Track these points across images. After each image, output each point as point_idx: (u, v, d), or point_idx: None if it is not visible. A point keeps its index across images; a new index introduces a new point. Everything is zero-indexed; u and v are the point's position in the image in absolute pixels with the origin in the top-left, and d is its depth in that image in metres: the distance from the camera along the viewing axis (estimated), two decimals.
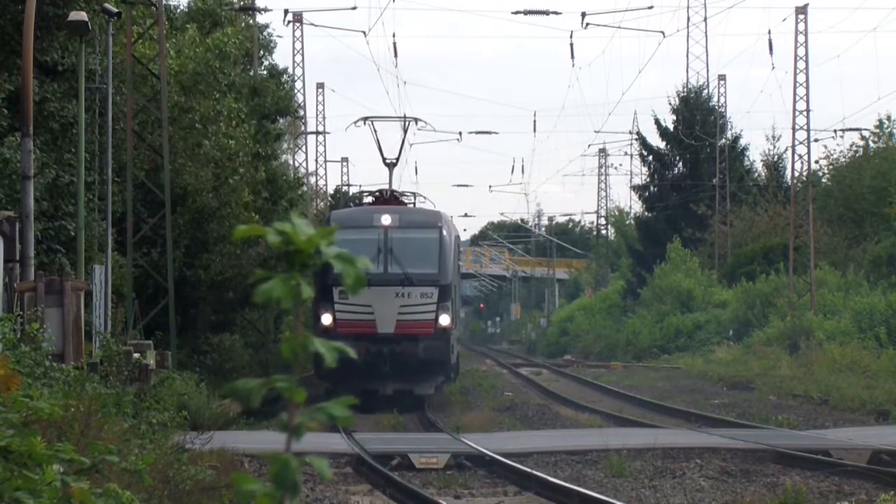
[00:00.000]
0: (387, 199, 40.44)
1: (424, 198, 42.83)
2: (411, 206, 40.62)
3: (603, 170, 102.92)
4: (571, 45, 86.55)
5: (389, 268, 36.68)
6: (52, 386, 16.40)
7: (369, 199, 41.38)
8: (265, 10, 59.14)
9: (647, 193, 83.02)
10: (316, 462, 2.69)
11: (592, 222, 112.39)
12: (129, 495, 9.24)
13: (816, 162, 69.98)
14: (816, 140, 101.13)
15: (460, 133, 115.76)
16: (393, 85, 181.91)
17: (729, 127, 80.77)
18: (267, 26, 57.29)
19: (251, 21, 52.36)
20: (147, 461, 10.01)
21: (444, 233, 37.79)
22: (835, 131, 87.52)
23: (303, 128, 73.98)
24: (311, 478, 21.08)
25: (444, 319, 36.94)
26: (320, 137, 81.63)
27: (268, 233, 2.57)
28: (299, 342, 2.62)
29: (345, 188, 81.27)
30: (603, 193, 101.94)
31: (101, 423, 14.97)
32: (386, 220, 37.29)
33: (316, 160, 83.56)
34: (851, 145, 74.59)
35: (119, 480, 10.08)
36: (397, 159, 44.77)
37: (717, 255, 74.12)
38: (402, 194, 41.15)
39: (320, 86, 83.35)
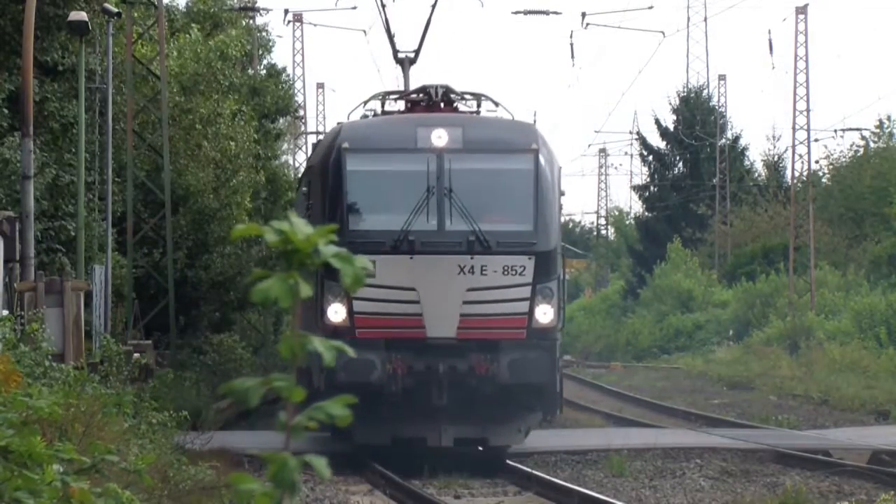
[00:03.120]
0: (433, 102, 23.60)
1: (496, 103, 24.10)
2: (480, 114, 23.95)
3: (603, 170, 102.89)
4: (571, 45, 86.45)
5: (448, 222, 21.39)
6: (52, 386, 16.38)
7: (399, 107, 24.43)
8: (264, 10, 59.08)
9: (647, 193, 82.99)
10: (315, 462, 2.68)
11: (592, 222, 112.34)
12: (129, 495, 9.24)
13: (816, 162, 69.98)
14: (816, 140, 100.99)
15: None
16: (392, 85, 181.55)
17: (729, 127, 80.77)
18: (265, 26, 57.29)
19: (251, 22, 52.33)
20: (147, 461, 10.01)
21: (542, 162, 21.88)
22: (835, 131, 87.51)
23: (303, 128, 73.93)
24: (311, 477, 21.07)
25: (546, 313, 21.37)
26: (320, 137, 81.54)
27: (266, 232, 2.57)
28: (297, 342, 2.61)
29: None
30: (603, 193, 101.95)
31: (101, 423, 14.96)
32: (440, 137, 21.78)
33: None
34: (851, 145, 74.55)
35: (119, 480, 10.08)
36: (417, 52, 27.90)
37: (717, 255, 74.08)
38: (461, 96, 23.95)
39: (320, 86, 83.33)
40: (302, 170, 70.54)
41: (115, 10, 31.73)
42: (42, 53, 29.33)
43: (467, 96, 24.04)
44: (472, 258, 21.44)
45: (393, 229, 21.43)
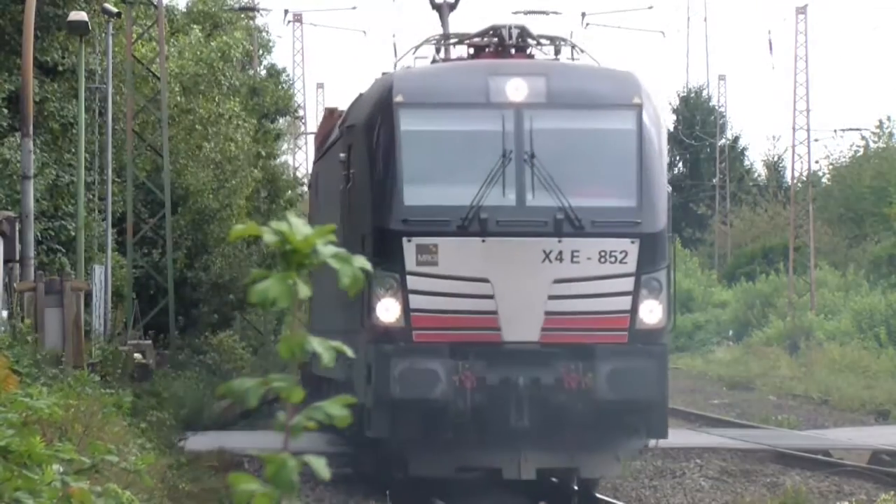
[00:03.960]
0: (504, 46, 19.11)
1: (581, 50, 19.86)
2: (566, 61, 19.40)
3: None
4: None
5: (529, 196, 17.50)
6: (52, 386, 16.38)
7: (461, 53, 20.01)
8: (264, 10, 59.13)
9: None
10: (314, 462, 2.68)
11: None
12: (129, 495, 9.24)
13: (816, 162, 70.01)
14: (816, 140, 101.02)
15: None
16: None
17: (729, 127, 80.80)
18: (265, 27, 57.32)
19: (252, 22, 52.34)
20: (147, 461, 10.02)
21: (647, 121, 17.95)
22: (835, 131, 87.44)
23: (303, 128, 73.94)
24: (310, 478, 21.04)
25: (653, 310, 17.51)
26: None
27: (264, 232, 2.56)
28: (297, 341, 2.61)
29: None
30: None
31: (101, 424, 14.96)
32: (518, 89, 17.75)
33: None
34: (851, 145, 74.57)
35: (119, 480, 10.09)
36: None
37: (717, 255, 74.07)
38: (538, 40, 19.40)
39: (320, 86, 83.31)
40: (302, 170, 70.35)
41: (115, 10, 31.73)
42: (42, 53, 29.33)
43: (544, 41, 19.18)
44: (559, 241, 17.23)
45: (460, 205, 17.07)
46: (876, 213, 62.92)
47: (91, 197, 33.09)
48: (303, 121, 71.49)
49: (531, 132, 17.54)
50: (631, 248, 17.39)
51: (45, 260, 28.76)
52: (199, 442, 22.15)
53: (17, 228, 23.89)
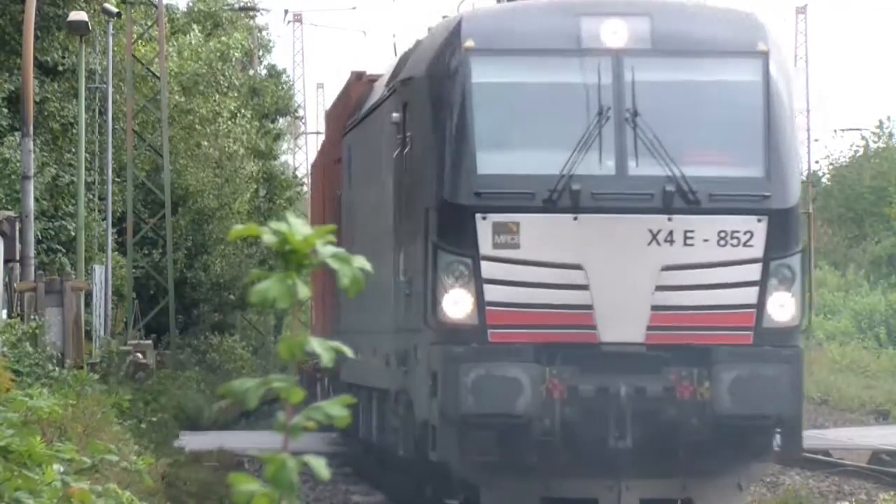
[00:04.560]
0: None
1: None
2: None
3: None
4: None
5: (632, 164, 14.60)
6: (52, 386, 16.40)
7: None
8: (264, 10, 59.17)
9: None
10: (314, 462, 2.68)
11: None
12: (129, 495, 9.24)
13: (816, 162, 70.03)
14: (816, 140, 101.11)
15: None
16: None
17: None
18: (265, 27, 57.34)
19: (252, 22, 52.37)
20: (147, 461, 10.03)
21: (775, 72, 14.94)
22: (835, 131, 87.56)
23: (303, 128, 73.96)
24: (310, 478, 21.06)
25: (784, 305, 14.57)
26: (320, 137, 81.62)
27: (263, 233, 2.56)
28: (296, 342, 2.61)
29: None
30: None
31: (101, 423, 14.97)
32: (616, 33, 14.83)
33: None
34: (851, 145, 74.62)
35: (119, 480, 10.09)
36: None
37: None
38: None
39: (320, 86, 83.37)
40: (302, 170, 70.03)
41: (115, 10, 31.75)
42: (42, 53, 29.35)
43: None
44: (669, 219, 14.12)
45: (547, 174, 14.06)
46: (876, 213, 62.94)
47: (91, 197, 33.10)
48: (303, 121, 71.53)
49: (633, 85, 14.28)
50: (757, 227, 14.18)
51: (45, 260, 28.78)
52: (199, 442, 22.16)
53: (17, 228, 23.91)
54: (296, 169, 71.38)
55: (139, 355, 27.03)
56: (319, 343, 2.65)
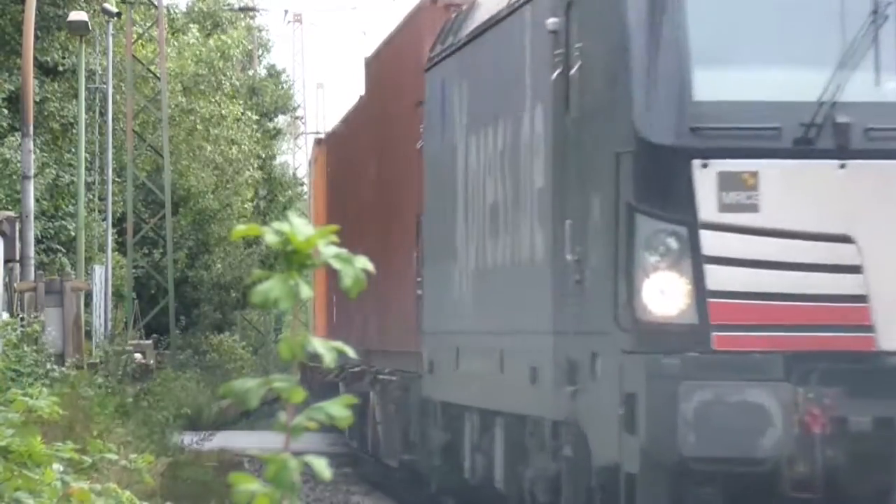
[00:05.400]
0: None
1: None
2: None
3: None
4: None
5: None
6: (52, 386, 16.41)
7: None
8: (263, 10, 59.22)
9: None
10: (315, 462, 2.69)
11: None
12: (129, 495, 9.24)
13: None
14: None
15: None
16: None
17: None
18: (265, 27, 57.40)
19: (252, 21, 52.41)
20: (147, 461, 10.04)
21: None
22: None
23: (302, 128, 74.02)
24: (310, 478, 21.02)
25: None
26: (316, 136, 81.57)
27: (265, 233, 2.57)
28: (297, 342, 2.61)
29: None
30: None
31: (101, 423, 14.99)
32: None
33: None
34: None
35: (119, 480, 10.10)
36: None
37: None
38: None
39: (320, 85, 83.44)
40: (302, 170, 69.69)
41: (115, 10, 31.76)
42: (42, 53, 29.35)
43: None
44: None
45: (798, 100, 9.95)
46: None
47: (91, 197, 33.11)
48: (302, 120, 71.57)
49: None
50: None
51: (45, 260, 28.78)
52: (200, 441, 22.15)
53: (17, 228, 23.92)
54: (296, 169, 71.42)
55: (139, 355, 27.04)
56: (321, 342, 2.65)
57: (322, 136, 28.80)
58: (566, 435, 10.75)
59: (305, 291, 2.57)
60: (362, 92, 21.92)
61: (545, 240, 11.24)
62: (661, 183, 9.83)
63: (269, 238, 2.54)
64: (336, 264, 2.56)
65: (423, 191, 15.40)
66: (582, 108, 10.67)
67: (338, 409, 2.66)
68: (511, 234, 12.14)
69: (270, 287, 2.53)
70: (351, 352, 2.76)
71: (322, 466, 2.71)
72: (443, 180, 14.49)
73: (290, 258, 2.51)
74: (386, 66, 19.41)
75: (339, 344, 2.66)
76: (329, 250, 2.54)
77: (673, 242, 9.69)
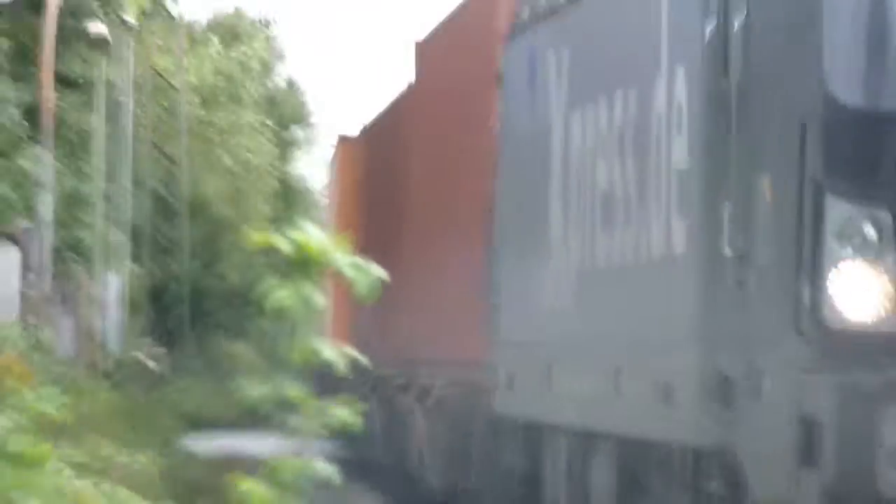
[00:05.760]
0: None
1: None
2: None
3: None
4: None
5: None
6: (64, 391, 16.50)
7: None
8: (280, 22, 59.29)
9: None
10: (324, 468, 2.72)
11: None
12: (133, 496, 9.29)
13: None
14: None
15: None
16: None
17: None
18: (281, 44, 57.48)
19: (270, 32, 52.50)
20: (153, 462, 10.11)
21: None
22: None
23: (319, 138, 74.05)
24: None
25: None
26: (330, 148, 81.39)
27: (280, 242, 2.61)
28: (309, 348, 2.66)
29: None
30: None
31: (111, 427, 15.03)
32: None
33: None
34: None
35: (124, 481, 10.15)
36: None
37: None
38: None
39: (337, 96, 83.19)
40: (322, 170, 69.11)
41: (135, 22, 31.86)
42: (61, 65, 29.47)
43: None
44: None
45: None
46: None
47: (107, 207, 33.21)
48: (319, 131, 71.56)
49: None
50: None
51: (60, 269, 28.87)
52: (208, 445, 22.13)
53: (33, 238, 24.03)
54: (311, 179, 71.41)
55: (152, 363, 27.08)
56: (333, 349, 2.69)
57: (344, 133, 25.56)
58: (712, 465, 8.66)
59: (319, 300, 2.61)
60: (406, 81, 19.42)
61: (689, 232, 8.93)
62: (858, 157, 7.72)
63: (284, 247, 2.59)
64: (350, 273, 2.59)
65: (495, 181, 12.94)
66: (748, 70, 8.36)
67: (346, 412, 2.71)
68: (635, 226, 9.73)
69: (284, 296, 2.57)
70: (363, 359, 2.77)
71: (332, 472, 2.74)
72: (530, 166, 11.99)
73: (305, 267, 2.55)
74: (446, 45, 17.16)
75: (351, 351, 2.69)
76: (343, 258, 2.58)
77: (873, 233, 7.63)
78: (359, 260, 2.68)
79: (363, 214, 21.97)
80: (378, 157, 21.68)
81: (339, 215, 24.07)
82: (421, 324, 16.39)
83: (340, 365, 2.65)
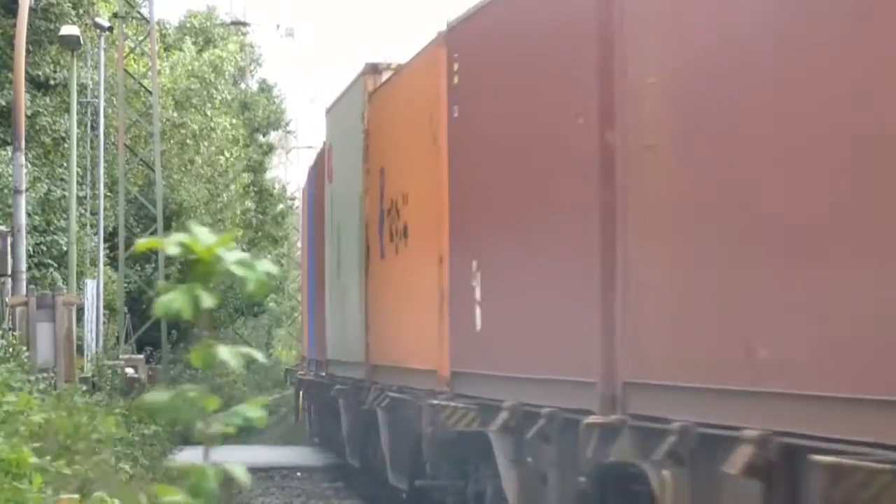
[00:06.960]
0: None
1: None
2: None
3: None
4: None
5: None
6: (44, 400, 16.43)
7: None
8: (255, 25, 59.29)
9: None
10: (235, 470, 2.70)
11: None
12: None
13: None
14: None
15: None
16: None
17: None
18: (257, 45, 57.48)
19: (244, 36, 52.47)
20: (137, 472, 10.05)
21: None
22: None
23: (294, 142, 74.06)
24: (303, 492, 21.04)
25: None
26: (311, 152, 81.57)
27: (167, 245, 2.58)
28: (208, 351, 2.63)
29: None
30: None
31: (92, 437, 14.98)
32: None
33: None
34: None
35: (109, 491, 10.11)
36: None
37: None
38: None
39: (312, 100, 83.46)
40: (294, 184, 68.78)
41: (108, 24, 31.79)
42: (34, 67, 29.37)
43: None
44: None
45: None
46: None
47: (83, 211, 33.12)
48: (294, 135, 71.62)
49: None
50: None
51: (36, 274, 28.78)
52: (192, 455, 22.13)
53: (8, 243, 23.92)
54: (287, 184, 71.45)
55: (131, 370, 27.02)
56: (228, 350, 2.66)
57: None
58: None
59: (207, 301, 2.58)
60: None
61: None
62: None
63: (171, 249, 2.55)
64: (238, 271, 2.56)
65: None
66: None
67: (253, 410, 2.69)
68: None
69: (172, 298, 2.55)
70: (259, 356, 2.77)
71: (241, 474, 2.72)
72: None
73: (194, 268, 2.52)
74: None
75: (247, 350, 2.66)
76: (230, 256, 2.54)
77: None
78: (246, 256, 2.66)
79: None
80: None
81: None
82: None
83: (236, 365, 2.62)
